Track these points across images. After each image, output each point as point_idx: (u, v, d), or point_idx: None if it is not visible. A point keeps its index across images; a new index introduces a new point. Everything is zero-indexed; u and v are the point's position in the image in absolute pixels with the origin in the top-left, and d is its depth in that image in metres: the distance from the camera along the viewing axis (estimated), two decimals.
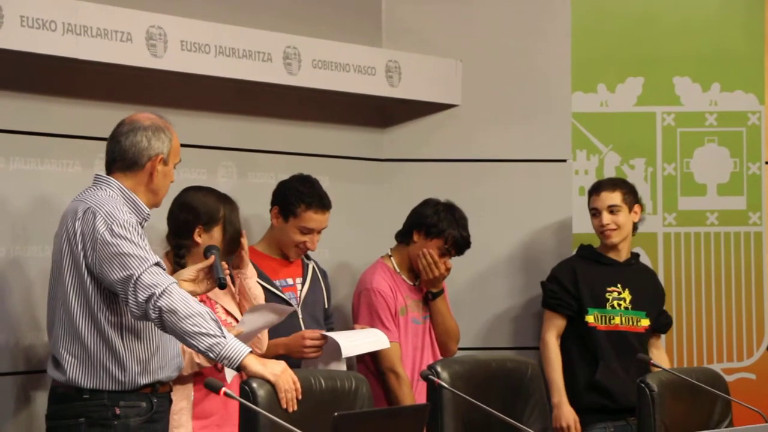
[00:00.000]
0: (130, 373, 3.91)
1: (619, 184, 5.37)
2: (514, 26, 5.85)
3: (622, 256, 5.37)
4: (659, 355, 5.43)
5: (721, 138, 5.94)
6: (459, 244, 5.15)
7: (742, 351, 5.92)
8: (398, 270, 5.24)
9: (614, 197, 5.30)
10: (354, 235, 5.65)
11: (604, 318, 5.31)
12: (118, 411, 3.89)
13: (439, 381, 4.28)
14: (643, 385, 4.61)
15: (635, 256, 5.45)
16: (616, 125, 5.89)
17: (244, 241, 4.49)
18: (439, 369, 4.36)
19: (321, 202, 4.89)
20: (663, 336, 5.52)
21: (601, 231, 5.32)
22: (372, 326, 5.11)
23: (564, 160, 5.87)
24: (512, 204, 5.81)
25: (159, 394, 4.00)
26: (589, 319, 5.30)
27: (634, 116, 5.91)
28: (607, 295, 5.32)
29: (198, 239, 4.42)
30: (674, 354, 5.87)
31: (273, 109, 5.38)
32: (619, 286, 5.31)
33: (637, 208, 5.36)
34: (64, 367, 3.91)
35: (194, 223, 4.43)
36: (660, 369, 4.78)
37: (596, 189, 5.35)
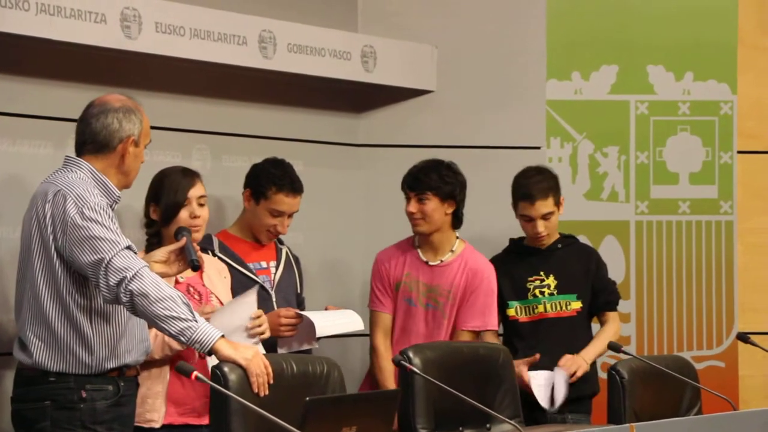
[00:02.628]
0: (97, 357, 3.90)
1: (551, 188, 5.15)
2: (490, 13, 5.86)
3: (546, 243, 5.22)
4: (608, 328, 5.24)
5: (693, 127, 5.97)
6: (406, 180, 5.10)
7: (711, 339, 5.95)
8: (418, 245, 5.20)
9: (548, 204, 5.12)
10: (328, 220, 5.65)
11: (527, 309, 5.18)
12: (84, 394, 3.88)
13: (411, 367, 4.28)
14: (613, 372, 4.63)
15: (564, 239, 5.28)
16: (590, 113, 5.91)
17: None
18: (411, 355, 4.37)
19: (292, 185, 4.88)
20: (611, 313, 5.27)
21: (535, 237, 5.18)
22: (370, 293, 5.13)
23: (538, 147, 5.88)
24: (486, 190, 5.80)
25: (126, 377, 3.99)
26: (510, 312, 5.19)
27: (608, 104, 5.93)
28: (528, 284, 5.19)
29: (154, 216, 4.43)
30: (645, 341, 5.90)
31: (248, 92, 5.37)
32: (541, 273, 5.17)
33: (562, 200, 5.21)
34: (31, 350, 3.90)
35: (148, 202, 4.44)
36: (630, 356, 4.78)
37: (528, 198, 5.12)
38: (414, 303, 5.16)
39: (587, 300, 5.21)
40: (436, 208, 5.08)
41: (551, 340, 5.15)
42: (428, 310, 5.15)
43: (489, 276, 5.16)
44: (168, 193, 4.41)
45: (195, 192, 4.43)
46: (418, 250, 5.17)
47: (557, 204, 5.18)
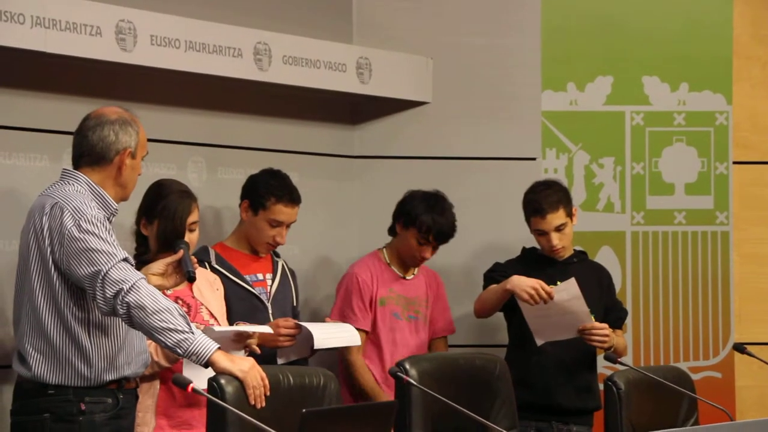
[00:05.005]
0: (96, 369, 3.90)
1: (561, 200, 5.15)
2: (485, 24, 5.87)
3: (564, 256, 5.24)
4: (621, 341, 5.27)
5: (689, 138, 5.97)
6: (432, 230, 5.12)
7: (708, 350, 5.95)
8: (388, 261, 5.26)
9: (559, 216, 5.13)
10: (323, 231, 5.65)
11: None
12: (83, 407, 3.88)
13: (408, 378, 4.28)
14: (610, 383, 4.63)
15: (579, 254, 5.32)
16: (585, 124, 5.91)
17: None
18: (407, 366, 4.37)
19: (291, 195, 4.91)
20: (619, 330, 5.30)
21: (551, 250, 5.18)
22: (343, 309, 5.16)
23: (533, 159, 5.89)
24: (482, 202, 5.82)
25: (125, 390, 3.98)
26: None
27: (604, 115, 5.94)
28: None
29: (144, 231, 4.43)
30: (641, 352, 5.90)
31: (243, 104, 5.37)
32: (558, 283, 5.10)
33: (574, 210, 5.23)
34: (30, 362, 3.89)
35: (140, 215, 4.43)
36: (627, 367, 4.77)
37: (539, 212, 5.13)
38: (399, 316, 5.26)
39: (600, 316, 5.20)
40: None
41: (562, 350, 5.14)
42: (411, 322, 5.28)
43: (442, 282, 5.44)
44: (167, 219, 4.39)
45: (191, 219, 4.44)
46: (392, 267, 5.27)
47: (569, 215, 5.19)
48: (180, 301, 4.42)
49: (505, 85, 5.86)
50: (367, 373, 5.17)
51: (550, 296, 4.96)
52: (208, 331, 4.23)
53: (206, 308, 4.52)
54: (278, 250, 5.04)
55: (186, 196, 4.45)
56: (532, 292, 4.95)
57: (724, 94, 5.96)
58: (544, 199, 5.15)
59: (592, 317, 5.09)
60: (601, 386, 4.80)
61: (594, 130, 5.92)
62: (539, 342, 5.08)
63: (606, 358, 4.91)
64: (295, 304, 5.07)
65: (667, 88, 5.95)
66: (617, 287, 5.78)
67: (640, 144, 5.95)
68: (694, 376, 5.28)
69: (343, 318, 5.13)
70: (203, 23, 4.96)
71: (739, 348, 5.16)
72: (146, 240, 4.45)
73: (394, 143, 5.86)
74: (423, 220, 5.12)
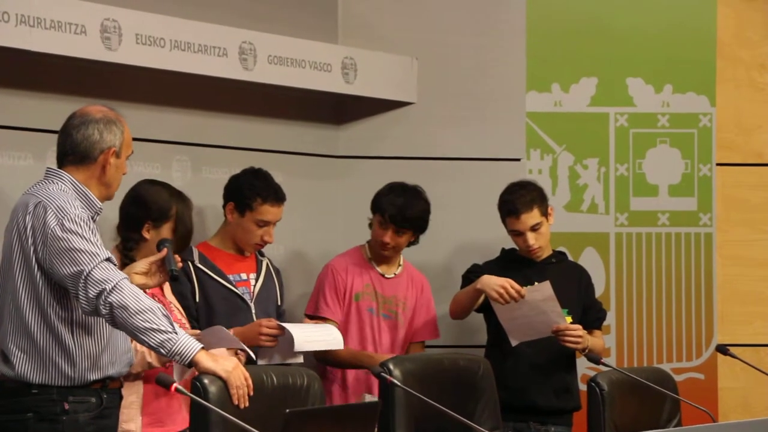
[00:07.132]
0: (79, 369, 3.89)
1: (534, 199, 5.17)
2: (470, 25, 5.88)
3: (542, 256, 5.25)
4: (599, 342, 5.27)
5: (673, 139, 5.99)
6: (392, 215, 5.11)
7: (691, 351, 5.97)
8: (369, 257, 5.26)
9: (534, 216, 5.15)
10: (308, 231, 5.65)
11: None
12: (66, 406, 3.87)
13: (391, 378, 4.29)
14: (593, 384, 4.64)
15: (558, 254, 5.33)
16: (569, 125, 5.93)
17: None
18: (391, 366, 4.37)
19: (276, 195, 4.93)
20: (597, 331, 5.31)
21: (528, 250, 5.20)
22: (317, 301, 5.18)
23: (518, 159, 5.90)
24: (466, 202, 5.83)
25: (109, 389, 3.97)
26: None
27: (588, 116, 5.95)
28: None
29: (146, 234, 4.43)
30: (624, 353, 5.92)
31: (228, 104, 5.37)
32: (535, 284, 5.10)
33: (550, 210, 5.24)
34: (13, 362, 3.88)
35: (143, 219, 4.43)
36: (610, 368, 4.78)
37: (514, 212, 5.15)
38: (376, 313, 5.26)
39: (578, 316, 5.21)
40: (407, 240, 5.24)
41: (540, 351, 5.15)
42: (385, 320, 5.28)
43: (429, 287, 5.41)
44: (180, 222, 4.45)
45: None
46: (372, 263, 5.27)
47: (544, 215, 5.20)
48: (155, 299, 4.42)
49: (489, 86, 5.87)
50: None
51: (520, 294, 4.96)
52: (218, 330, 4.26)
53: (176, 308, 4.53)
54: (262, 249, 5.04)
55: (184, 197, 4.49)
56: (501, 290, 4.96)
57: (708, 95, 5.98)
58: (518, 199, 5.18)
59: (567, 318, 5.10)
60: (585, 387, 4.81)
61: (578, 132, 5.94)
62: (514, 343, 5.09)
63: (588, 358, 4.93)
64: (279, 303, 5.07)
65: (651, 90, 5.97)
66: (601, 288, 5.80)
67: (624, 145, 5.96)
68: (677, 378, 5.29)
69: (317, 309, 5.15)
70: (188, 22, 4.95)
71: (722, 349, 5.18)
72: (134, 243, 4.44)
73: (379, 143, 5.87)
74: (381, 201, 5.15)
